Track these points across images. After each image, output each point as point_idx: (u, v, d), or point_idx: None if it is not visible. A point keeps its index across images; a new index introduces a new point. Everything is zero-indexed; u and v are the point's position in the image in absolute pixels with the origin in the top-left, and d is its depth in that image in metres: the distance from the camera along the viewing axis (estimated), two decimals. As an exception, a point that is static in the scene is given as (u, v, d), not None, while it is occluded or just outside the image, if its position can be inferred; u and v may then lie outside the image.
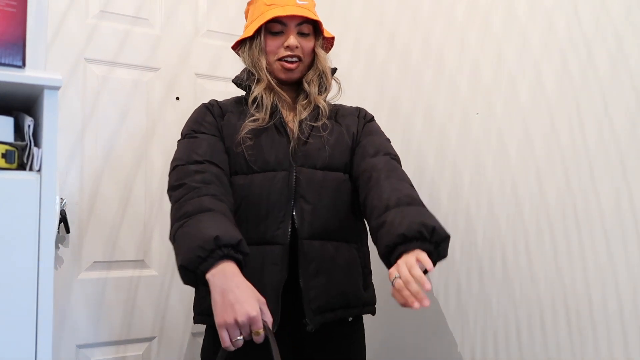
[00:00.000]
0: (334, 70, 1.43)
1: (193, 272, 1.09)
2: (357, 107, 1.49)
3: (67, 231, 1.62)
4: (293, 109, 1.40)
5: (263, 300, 1.10)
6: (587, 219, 1.21)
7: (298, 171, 1.31)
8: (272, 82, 1.35)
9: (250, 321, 1.05)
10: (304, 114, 1.36)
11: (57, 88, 0.98)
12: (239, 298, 1.06)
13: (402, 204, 1.17)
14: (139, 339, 1.75)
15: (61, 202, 1.60)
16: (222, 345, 1.06)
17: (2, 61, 0.94)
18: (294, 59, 1.35)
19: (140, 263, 1.77)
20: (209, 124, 1.35)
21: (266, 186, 1.29)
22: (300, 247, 1.28)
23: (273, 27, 1.35)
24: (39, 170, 0.97)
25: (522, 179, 1.35)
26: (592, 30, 1.21)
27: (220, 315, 1.06)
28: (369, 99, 1.79)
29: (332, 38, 1.44)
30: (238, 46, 1.43)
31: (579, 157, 1.23)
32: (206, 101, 1.42)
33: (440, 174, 1.57)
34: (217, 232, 1.09)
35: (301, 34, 1.36)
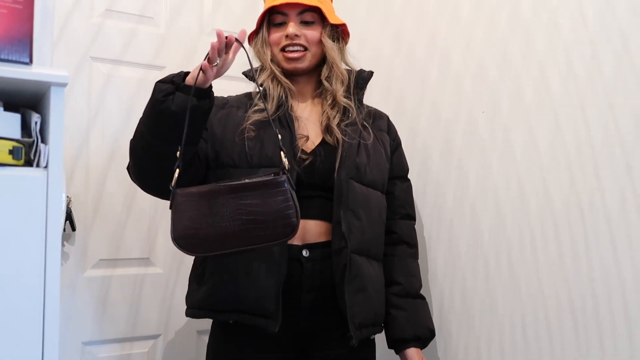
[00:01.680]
0: (361, 73, 1.41)
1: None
2: (386, 118, 1.49)
3: (73, 229, 1.63)
4: (312, 103, 1.40)
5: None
6: (592, 217, 1.20)
7: (345, 181, 1.30)
8: (276, 70, 1.34)
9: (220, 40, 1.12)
10: (335, 119, 1.34)
11: (64, 85, 0.99)
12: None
13: (419, 297, 1.42)
14: (144, 336, 1.76)
15: (67, 200, 1.60)
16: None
17: (10, 57, 0.94)
18: (296, 48, 1.33)
19: (145, 261, 1.77)
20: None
21: None
22: (348, 261, 1.27)
23: (275, 18, 1.34)
24: (45, 167, 0.97)
25: (527, 177, 1.34)
26: (597, 29, 1.21)
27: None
28: (374, 98, 1.79)
29: (345, 26, 1.40)
30: (252, 43, 1.42)
31: (584, 155, 1.22)
32: None
33: (446, 172, 1.57)
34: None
35: (304, 23, 1.34)
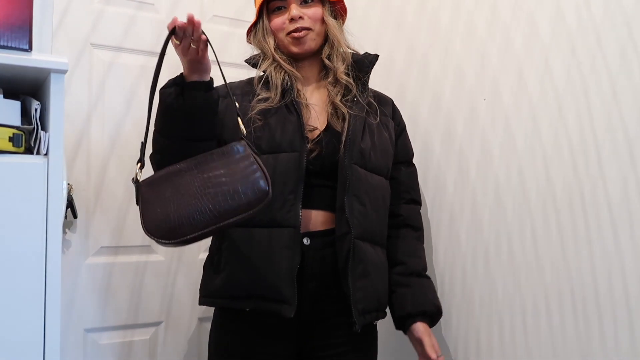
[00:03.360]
0: (367, 56, 1.41)
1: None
2: (391, 103, 1.50)
3: (75, 216, 1.63)
4: (317, 87, 1.40)
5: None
6: (594, 206, 1.20)
7: (348, 167, 1.29)
8: (279, 58, 1.34)
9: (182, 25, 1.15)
10: (338, 96, 1.34)
11: (63, 72, 0.99)
12: None
13: (424, 276, 1.42)
14: (146, 323, 1.77)
15: (68, 187, 1.60)
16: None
17: (9, 44, 0.94)
18: (301, 29, 1.33)
19: (147, 248, 1.77)
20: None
21: (276, 168, 1.26)
22: (351, 246, 1.27)
23: (273, 4, 1.35)
24: (46, 154, 0.98)
25: (528, 166, 1.34)
26: (601, 15, 1.20)
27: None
28: (375, 86, 1.78)
29: (342, 2, 1.42)
30: (250, 36, 1.43)
31: (586, 143, 1.22)
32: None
33: (446, 160, 1.57)
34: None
35: (304, 3, 1.35)
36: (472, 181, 1.49)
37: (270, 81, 1.32)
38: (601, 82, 1.19)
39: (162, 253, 1.79)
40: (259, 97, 1.32)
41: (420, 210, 1.50)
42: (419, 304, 1.36)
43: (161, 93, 1.22)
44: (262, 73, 1.37)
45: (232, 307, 1.31)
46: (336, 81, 1.36)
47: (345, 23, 1.44)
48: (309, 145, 1.29)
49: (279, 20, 1.34)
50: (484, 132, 1.46)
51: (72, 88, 1.66)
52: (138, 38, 1.77)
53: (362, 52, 1.43)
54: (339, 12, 1.41)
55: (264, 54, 1.37)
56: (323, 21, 1.36)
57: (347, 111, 1.33)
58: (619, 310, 1.14)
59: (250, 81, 1.42)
